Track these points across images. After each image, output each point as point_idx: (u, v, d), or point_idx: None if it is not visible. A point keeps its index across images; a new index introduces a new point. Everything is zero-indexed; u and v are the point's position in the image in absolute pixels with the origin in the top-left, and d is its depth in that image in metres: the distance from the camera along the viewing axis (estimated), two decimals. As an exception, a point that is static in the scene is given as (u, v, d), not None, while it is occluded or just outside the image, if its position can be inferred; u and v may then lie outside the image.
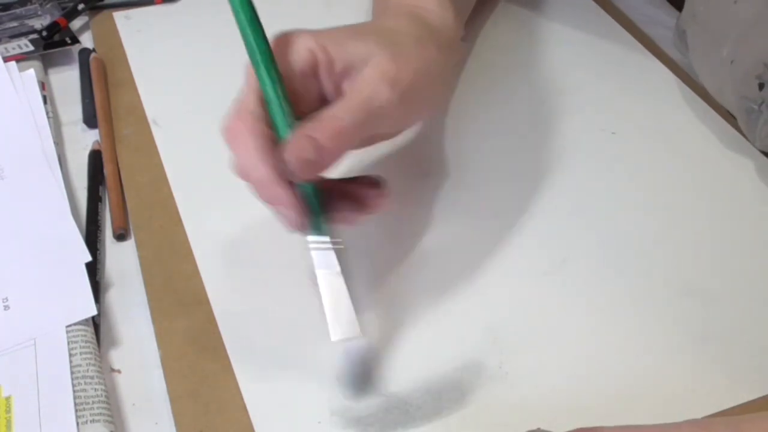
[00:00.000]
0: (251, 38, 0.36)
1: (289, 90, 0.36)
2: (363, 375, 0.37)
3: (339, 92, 0.38)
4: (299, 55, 0.37)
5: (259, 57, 0.36)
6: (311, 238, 0.37)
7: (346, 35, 0.39)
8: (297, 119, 0.36)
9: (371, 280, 0.43)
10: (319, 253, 0.37)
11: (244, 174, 0.36)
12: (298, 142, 0.35)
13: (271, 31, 0.38)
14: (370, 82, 0.37)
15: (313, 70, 0.38)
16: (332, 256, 0.37)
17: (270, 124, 0.36)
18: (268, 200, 0.36)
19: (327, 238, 0.37)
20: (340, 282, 0.37)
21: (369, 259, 0.43)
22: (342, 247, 0.37)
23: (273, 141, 0.36)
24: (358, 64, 0.37)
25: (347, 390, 0.37)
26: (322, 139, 0.35)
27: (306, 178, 0.35)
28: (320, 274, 0.37)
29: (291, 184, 0.35)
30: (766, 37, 0.44)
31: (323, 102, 0.38)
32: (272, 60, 0.36)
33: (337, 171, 0.38)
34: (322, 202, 0.37)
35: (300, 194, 0.36)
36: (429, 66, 0.40)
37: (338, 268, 0.37)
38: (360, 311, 0.37)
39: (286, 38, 0.38)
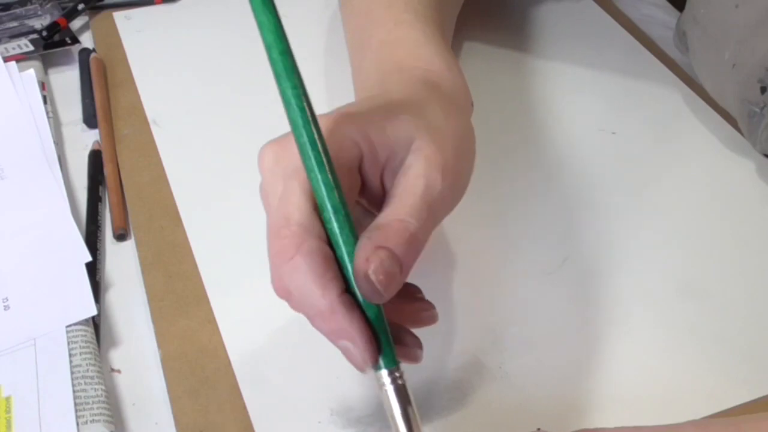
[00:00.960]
0: (307, 140, 0.29)
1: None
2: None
3: (381, 183, 0.33)
4: (346, 150, 0.32)
5: (314, 160, 0.29)
6: (382, 372, 0.30)
7: (384, 116, 0.33)
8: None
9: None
10: (393, 388, 0.30)
11: (294, 300, 0.30)
12: (376, 255, 0.28)
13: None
14: (421, 174, 0.31)
15: (359, 163, 0.32)
16: (405, 390, 0.30)
17: (326, 240, 0.30)
18: (331, 335, 0.30)
19: (399, 369, 0.30)
20: (414, 419, 0.30)
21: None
22: (406, 383, 0.31)
23: (332, 260, 0.30)
24: (401, 151, 0.32)
25: None
26: (396, 248, 0.29)
27: (388, 297, 0.29)
28: (398, 415, 0.30)
29: (357, 311, 0.29)
30: (767, 41, 0.45)
31: (361, 195, 0.34)
32: (330, 161, 0.30)
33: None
34: (388, 327, 0.31)
35: (367, 323, 0.30)
36: (463, 137, 0.36)
37: (411, 402, 0.30)
38: None
39: (325, 126, 0.31)
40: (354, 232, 0.30)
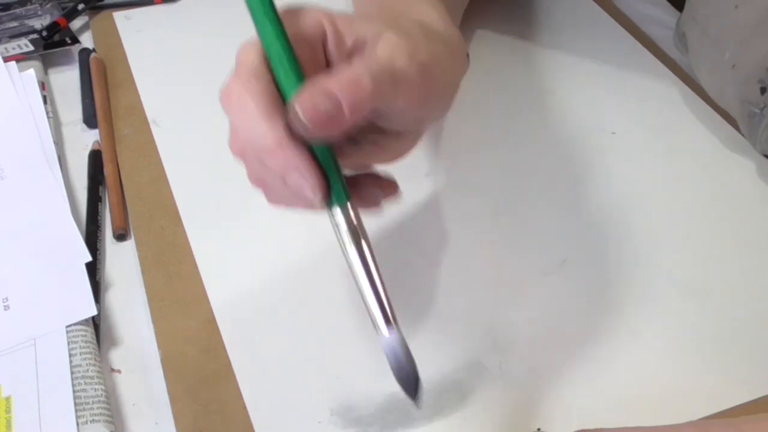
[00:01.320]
0: None
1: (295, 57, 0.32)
2: (412, 369, 0.33)
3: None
4: (307, 24, 0.33)
5: (262, 10, 0.32)
6: (336, 210, 0.31)
7: (356, 17, 0.35)
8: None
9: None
10: (345, 225, 0.31)
11: (245, 144, 0.32)
12: (312, 93, 0.30)
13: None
14: (387, 47, 0.32)
15: (321, 42, 0.34)
16: (358, 227, 0.31)
17: (274, 84, 0.31)
18: (280, 169, 0.31)
19: (350, 211, 0.31)
20: (371, 261, 0.32)
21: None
22: (363, 225, 0.32)
23: (279, 101, 0.31)
24: (369, 40, 0.33)
25: (406, 384, 0.33)
26: (339, 92, 0.30)
27: (321, 134, 0.30)
28: (353, 252, 0.31)
29: (305, 147, 0.31)
30: (767, 41, 0.45)
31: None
32: (278, 18, 0.32)
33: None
34: (339, 165, 0.32)
35: (316, 160, 0.31)
36: (440, 59, 0.36)
37: (367, 243, 0.32)
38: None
39: (294, 9, 0.34)
40: (299, 78, 0.31)
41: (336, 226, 0.32)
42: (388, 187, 0.35)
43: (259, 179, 0.33)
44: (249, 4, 0.32)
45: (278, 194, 0.33)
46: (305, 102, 0.30)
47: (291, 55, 0.31)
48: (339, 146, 0.34)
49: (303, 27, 0.33)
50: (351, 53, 0.34)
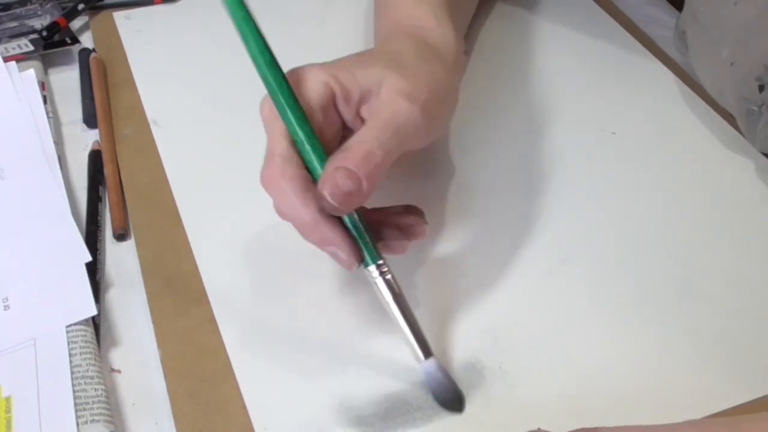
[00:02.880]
0: (273, 83, 0.36)
1: (314, 127, 0.36)
2: (454, 385, 0.37)
3: (360, 120, 0.38)
4: (315, 90, 0.37)
5: (283, 100, 0.36)
6: (371, 268, 0.36)
7: (355, 64, 0.39)
8: (327, 155, 0.36)
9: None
10: (381, 280, 0.36)
11: (289, 219, 0.36)
12: (332, 175, 0.34)
13: (273, 35, 0.37)
14: (388, 101, 0.37)
15: (332, 103, 0.38)
16: (392, 280, 0.37)
17: (304, 166, 0.36)
18: (318, 243, 0.36)
19: (383, 263, 0.37)
20: (406, 305, 0.37)
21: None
22: (392, 273, 0.37)
23: (310, 182, 0.35)
24: (374, 89, 0.38)
25: (454, 404, 0.37)
26: (354, 167, 0.34)
27: (347, 210, 0.35)
28: (390, 301, 0.36)
29: (337, 221, 0.35)
30: (766, 38, 0.44)
31: (347, 133, 0.38)
32: (296, 101, 0.36)
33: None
34: (370, 229, 0.37)
35: (348, 230, 0.36)
36: (439, 80, 0.40)
37: (400, 291, 0.37)
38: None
39: (297, 75, 0.37)
40: (323, 158, 0.36)
41: (372, 280, 0.37)
42: (413, 233, 0.39)
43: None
44: (274, 99, 0.36)
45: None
46: (328, 185, 0.34)
47: (313, 139, 0.36)
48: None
49: (312, 97, 0.37)
50: (359, 106, 0.38)
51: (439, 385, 0.37)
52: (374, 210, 0.39)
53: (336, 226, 0.35)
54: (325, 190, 0.34)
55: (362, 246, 0.36)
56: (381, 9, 0.48)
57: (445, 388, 0.37)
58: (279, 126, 0.36)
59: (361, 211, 0.37)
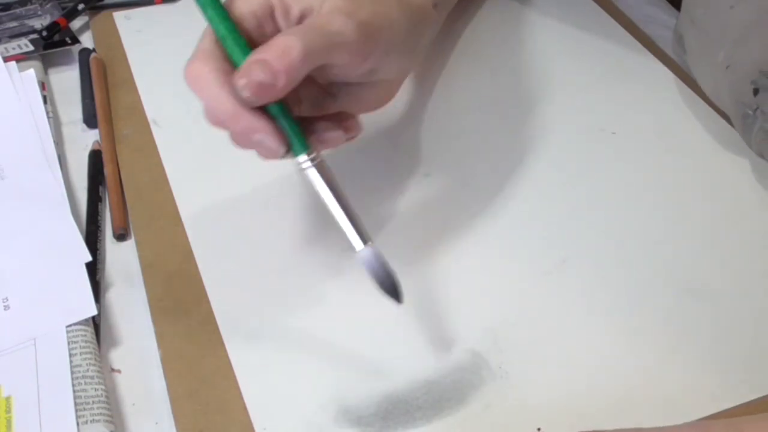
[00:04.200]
0: None
1: (248, 37, 0.36)
2: (391, 275, 0.37)
3: None
4: (253, 1, 0.37)
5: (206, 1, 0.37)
6: (300, 158, 0.36)
7: None
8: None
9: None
10: (312, 170, 0.36)
11: (214, 116, 0.36)
12: (248, 66, 0.34)
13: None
14: (325, 12, 0.37)
15: (269, 15, 0.38)
16: (324, 170, 0.36)
17: (227, 61, 0.36)
18: (243, 132, 0.35)
19: (313, 154, 0.36)
20: (341, 191, 0.36)
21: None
22: (324, 161, 0.37)
23: (231, 75, 0.35)
24: (315, 6, 0.37)
25: (389, 289, 0.37)
26: (272, 59, 0.34)
27: (261, 102, 0.35)
28: (323, 187, 0.36)
29: (261, 110, 0.35)
30: (761, 42, 0.44)
31: None
32: (219, 3, 0.37)
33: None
34: (296, 120, 0.37)
35: (271, 118, 0.36)
36: (389, 10, 0.40)
37: (333, 178, 0.36)
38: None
39: None
40: (246, 52, 0.35)
41: (300, 168, 0.36)
42: (349, 127, 0.39)
43: (234, 140, 0.37)
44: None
45: (245, 145, 0.37)
46: (242, 74, 0.34)
47: (236, 34, 0.36)
48: (317, 100, 0.40)
49: (250, 6, 0.37)
50: (299, 21, 0.38)
51: (378, 274, 0.37)
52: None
53: (259, 113, 0.35)
54: (239, 80, 0.34)
55: (290, 133, 0.36)
56: None
57: (382, 277, 0.37)
58: (206, 32, 0.37)
59: (286, 105, 0.37)
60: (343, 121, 0.39)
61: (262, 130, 0.35)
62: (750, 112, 0.45)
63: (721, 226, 0.46)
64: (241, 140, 0.36)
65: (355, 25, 0.37)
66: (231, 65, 0.36)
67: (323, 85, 0.40)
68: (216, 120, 0.36)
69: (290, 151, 0.36)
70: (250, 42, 0.36)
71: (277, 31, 0.38)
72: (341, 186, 0.36)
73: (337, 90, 0.40)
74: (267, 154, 0.36)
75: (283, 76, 0.34)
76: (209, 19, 0.36)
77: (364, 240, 0.36)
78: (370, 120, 0.42)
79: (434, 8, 0.45)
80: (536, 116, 0.53)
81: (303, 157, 0.36)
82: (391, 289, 0.37)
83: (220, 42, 0.36)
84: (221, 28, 0.36)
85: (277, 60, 0.34)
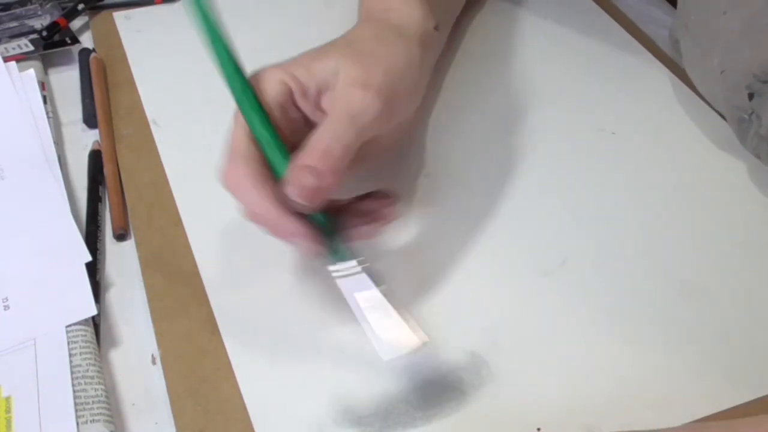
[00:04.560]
0: (236, 85, 0.37)
1: (276, 126, 0.37)
2: (441, 381, 0.37)
3: (322, 112, 0.39)
4: (273, 89, 0.38)
5: (245, 101, 0.37)
6: (335, 266, 0.37)
7: (313, 57, 0.40)
8: (290, 153, 0.37)
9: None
10: (347, 279, 0.37)
11: (255, 218, 0.37)
12: (296, 174, 0.35)
13: (273, 35, 0.38)
14: (342, 92, 0.38)
15: (290, 100, 0.39)
16: (364, 277, 0.37)
17: (265, 163, 0.37)
18: (282, 236, 0.37)
19: (352, 262, 0.37)
20: (380, 298, 0.37)
21: (368, 260, 0.43)
22: (368, 264, 0.38)
23: (272, 179, 0.36)
24: (331, 80, 0.38)
25: (441, 401, 0.37)
26: (316, 164, 0.35)
27: (313, 206, 0.36)
28: (359, 296, 0.37)
29: (300, 215, 0.36)
30: (754, 47, 0.44)
31: (312, 127, 0.39)
32: (258, 103, 0.37)
33: (346, 191, 0.39)
34: (336, 226, 0.38)
35: (312, 223, 0.36)
36: (398, 60, 0.40)
37: (374, 286, 0.37)
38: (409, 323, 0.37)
39: (257, 77, 0.39)
40: (286, 157, 0.36)
41: (337, 277, 0.37)
42: (380, 216, 0.39)
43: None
44: (238, 102, 0.37)
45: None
46: (294, 184, 0.35)
47: (275, 137, 0.37)
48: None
49: (270, 96, 0.38)
50: (318, 99, 0.39)
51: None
52: (343, 201, 0.40)
53: (298, 219, 0.36)
54: (291, 188, 0.35)
55: (327, 240, 0.37)
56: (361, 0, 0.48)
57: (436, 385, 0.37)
58: (240, 128, 0.37)
59: (328, 205, 0.38)
60: (379, 210, 0.40)
61: (300, 236, 0.36)
62: (745, 116, 0.45)
63: (721, 225, 0.46)
64: (281, 238, 0.37)
65: (374, 95, 0.38)
66: (267, 167, 0.37)
67: None
68: (257, 221, 0.37)
69: (327, 256, 0.37)
70: (278, 130, 0.37)
71: (299, 113, 0.39)
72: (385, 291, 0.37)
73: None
74: (304, 255, 0.38)
75: (330, 176, 0.35)
76: (250, 122, 0.37)
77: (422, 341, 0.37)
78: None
79: (436, 30, 0.46)
80: (536, 116, 0.53)
81: (338, 266, 0.37)
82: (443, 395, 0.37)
83: (253, 142, 0.37)
84: (264, 134, 0.37)
85: (322, 163, 0.35)
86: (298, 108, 0.39)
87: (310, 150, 0.36)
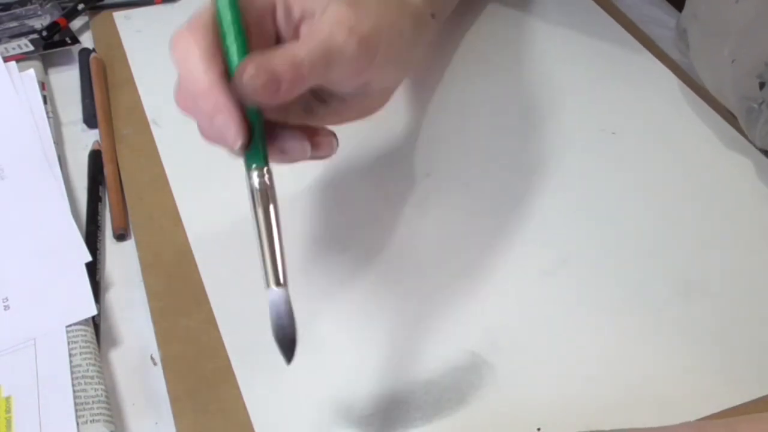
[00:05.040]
0: None
1: (245, 27, 0.35)
2: (292, 329, 0.33)
3: (296, 37, 0.37)
4: None
5: None
6: (252, 164, 0.34)
7: None
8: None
9: (372, 281, 0.43)
10: (257, 183, 0.34)
11: (185, 89, 0.35)
12: (252, 65, 0.33)
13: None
14: (327, 24, 0.36)
15: (269, 11, 0.37)
16: (267, 192, 0.34)
17: (219, 46, 0.34)
18: (209, 109, 0.33)
19: (265, 169, 0.34)
20: (275, 222, 0.34)
21: (369, 260, 0.43)
22: (271, 184, 0.34)
23: (219, 53, 0.34)
24: (318, 11, 0.36)
25: (284, 342, 0.33)
26: (277, 67, 0.33)
27: (255, 101, 0.33)
28: (259, 212, 0.34)
29: (233, 93, 0.33)
30: (766, 36, 0.44)
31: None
32: None
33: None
34: (265, 130, 0.35)
35: (242, 108, 0.34)
36: (391, 24, 0.39)
37: (274, 204, 0.34)
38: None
39: None
40: (245, 48, 0.34)
41: (249, 182, 0.34)
42: (320, 144, 0.37)
43: (187, 110, 0.36)
44: None
45: (207, 132, 0.35)
46: (249, 71, 0.32)
47: (239, 25, 0.34)
48: (308, 105, 0.38)
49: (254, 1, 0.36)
50: (298, 24, 0.37)
51: (279, 319, 0.33)
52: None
53: (232, 97, 0.33)
54: (242, 74, 0.32)
55: (256, 136, 0.34)
56: None
57: (284, 325, 0.33)
58: (207, 8, 0.35)
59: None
60: (317, 136, 0.38)
61: (227, 112, 0.33)
62: (755, 105, 0.45)
63: (721, 225, 0.46)
64: (205, 122, 0.35)
65: (356, 41, 0.36)
66: (221, 48, 0.34)
67: (314, 90, 0.39)
68: (185, 93, 0.35)
69: (247, 149, 0.34)
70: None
71: (274, 28, 0.37)
72: (278, 215, 0.34)
73: (328, 96, 0.39)
74: (223, 141, 0.34)
75: (286, 85, 0.33)
76: (221, 7, 0.35)
77: (279, 282, 0.33)
78: (370, 121, 0.42)
79: (432, 18, 0.45)
80: (536, 116, 0.53)
81: (254, 167, 0.34)
82: (286, 343, 0.33)
83: (216, 23, 0.35)
84: (227, 14, 0.34)
85: (283, 70, 0.33)
86: (274, 23, 0.37)
87: (275, 53, 0.33)
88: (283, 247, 0.33)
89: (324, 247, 0.44)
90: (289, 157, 0.36)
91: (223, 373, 0.38)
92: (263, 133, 0.35)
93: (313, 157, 0.37)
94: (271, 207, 0.34)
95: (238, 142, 0.33)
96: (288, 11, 0.37)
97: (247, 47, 0.34)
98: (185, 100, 0.35)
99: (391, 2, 0.40)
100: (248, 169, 0.34)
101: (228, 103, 0.33)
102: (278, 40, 0.38)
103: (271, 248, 0.33)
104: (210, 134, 0.35)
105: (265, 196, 0.34)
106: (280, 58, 0.33)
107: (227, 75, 0.34)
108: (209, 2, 0.35)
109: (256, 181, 0.34)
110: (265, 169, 0.34)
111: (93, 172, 0.49)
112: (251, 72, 0.33)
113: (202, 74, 0.33)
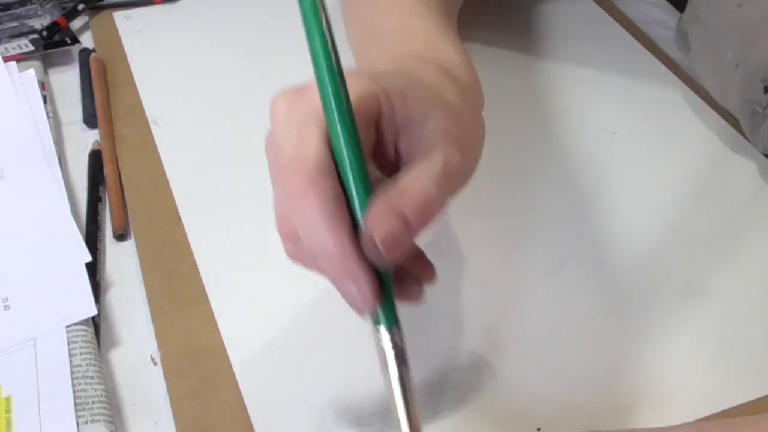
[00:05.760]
0: (331, 89, 0.29)
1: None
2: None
3: (393, 149, 0.33)
4: (365, 101, 0.30)
5: (336, 105, 0.29)
6: (382, 330, 0.30)
7: (404, 83, 0.33)
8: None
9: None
10: (391, 348, 0.30)
11: (304, 239, 0.29)
12: (383, 216, 0.28)
13: (273, 35, 0.37)
14: (443, 147, 0.31)
15: (375, 119, 0.32)
16: (401, 352, 0.30)
17: (339, 186, 0.29)
18: (339, 275, 0.29)
19: (396, 331, 0.30)
20: (410, 383, 0.30)
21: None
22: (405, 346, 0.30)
23: (344, 204, 0.29)
24: (419, 121, 0.32)
25: None
26: (409, 213, 0.28)
27: (391, 260, 0.29)
28: (393, 373, 0.30)
29: (363, 254, 0.29)
30: None
31: (373, 155, 0.33)
32: (352, 110, 0.29)
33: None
34: (393, 285, 0.30)
35: (377, 274, 0.29)
36: (475, 125, 0.37)
37: (408, 368, 0.30)
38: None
39: (349, 76, 0.30)
40: (369, 185, 0.29)
41: (380, 343, 0.30)
42: (426, 277, 0.34)
43: (299, 260, 0.32)
44: (326, 107, 0.29)
45: (313, 267, 0.31)
46: (378, 229, 0.28)
47: (363, 158, 0.29)
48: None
49: (362, 106, 0.30)
50: (398, 132, 0.32)
51: None
52: None
53: (367, 264, 0.29)
54: (378, 232, 0.28)
55: (385, 301, 0.30)
56: (381, 31, 0.43)
57: None
58: (317, 129, 0.29)
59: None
60: (421, 270, 0.33)
61: (364, 283, 0.28)
62: (759, 109, 0.45)
63: (721, 225, 0.46)
64: (330, 277, 0.30)
65: (465, 156, 0.32)
66: (341, 191, 0.29)
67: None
68: (301, 247, 0.30)
69: (375, 315, 0.30)
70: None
71: (379, 136, 0.32)
72: (410, 376, 0.30)
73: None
74: (350, 304, 0.29)
75: (416, 233, 0.29)
76: (336, 134, 0.29)
77: None
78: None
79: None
80: (536, 116, 0.53)
81: (384, 331, 0.30)
82: None
83: (331, 155, 0.29)
84: (350, 151, 0.29)
85: (417, 213, 0.28)
86: (379, 133, 0.32)
87: (404, 192, 0.29)
88: (417, 407, 0.30)
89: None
90: (409, 299, 0.33)
91: (223, 373, 0.38)
92: (392, 290, 0.30)
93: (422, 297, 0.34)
94: (405, 369, 0.30)
95: (368, 311, 0.29)
96: (391, 116, 0.32)
97: (370, 187, 0.29)
98: (300, 254, 0.31)
99: (466, 97, 0.37)
100: (377, 329, 0.30)
101: (361, 271, 0.28)
102: (377, 143, 0.33)
103: (408, 411, 0.29)
104: (338, 287, 0.30)
105: (401, 359, 0.29)
106: (409, 199, 0.29)
107: (354, 227, 0.29)
108: (305, 119, 0.29)
109: (389, 345, 0.30)
110: (395, 329, 0.30)
111: (93, 172, 0.49)
112: (383, 229, 0.28)
113: (329, 237, 0.28)
